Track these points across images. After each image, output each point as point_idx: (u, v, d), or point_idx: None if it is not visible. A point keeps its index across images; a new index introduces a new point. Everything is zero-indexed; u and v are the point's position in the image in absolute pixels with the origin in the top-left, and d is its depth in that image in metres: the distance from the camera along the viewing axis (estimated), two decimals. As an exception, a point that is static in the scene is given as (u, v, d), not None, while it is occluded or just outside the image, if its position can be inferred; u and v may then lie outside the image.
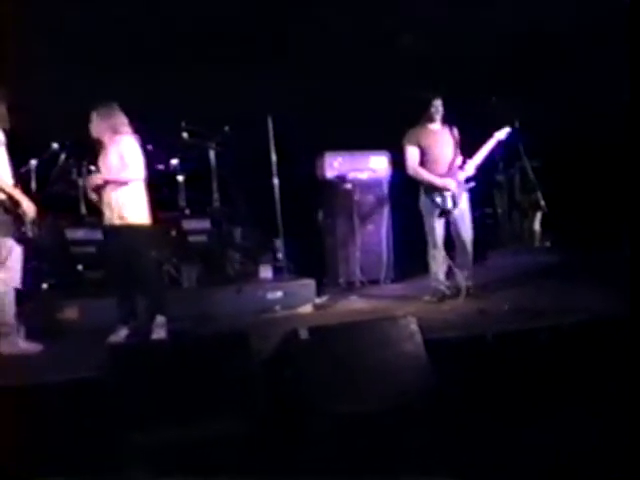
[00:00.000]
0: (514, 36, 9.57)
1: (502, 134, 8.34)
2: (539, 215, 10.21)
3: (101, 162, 7.13)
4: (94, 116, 7.04)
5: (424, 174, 8.17)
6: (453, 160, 8.23)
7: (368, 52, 9.79)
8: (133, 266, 6.98)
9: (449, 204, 8.08)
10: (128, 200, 6.91)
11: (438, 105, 8.23)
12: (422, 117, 8.30)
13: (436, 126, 8.31)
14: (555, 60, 9.71)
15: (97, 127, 7.05)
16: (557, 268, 9.27)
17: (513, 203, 10.69)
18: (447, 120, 8.35)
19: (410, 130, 8.31)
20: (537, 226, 10.39)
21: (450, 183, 8.09)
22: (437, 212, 8.11)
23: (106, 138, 7.05)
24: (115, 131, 6.99)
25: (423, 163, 8.22)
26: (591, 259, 8.87)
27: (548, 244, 10.33)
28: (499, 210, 10.82)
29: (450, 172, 8.17)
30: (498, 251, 10.21)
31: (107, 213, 7.01)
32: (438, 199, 8.08)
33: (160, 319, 6.96)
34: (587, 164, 9.50)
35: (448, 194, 8.08)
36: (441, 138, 8.30)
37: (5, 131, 6.65)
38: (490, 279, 8.69)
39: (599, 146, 9.23)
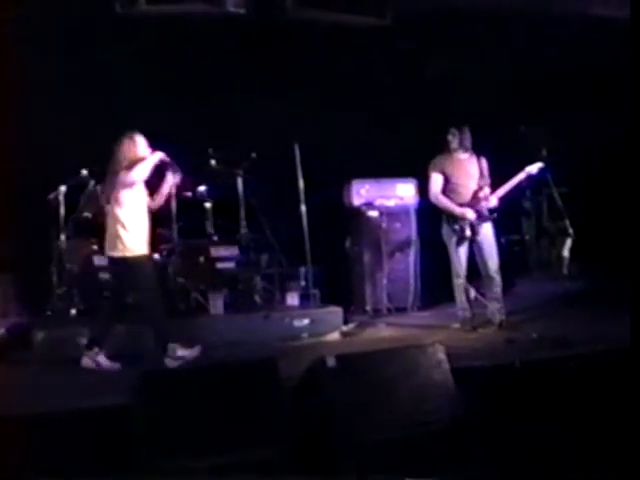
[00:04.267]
0: (541, 65, 9.58)
1: (534, 169, 8.18)
2: (568, 242, 10.11)
3: None
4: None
5: (444, 202, 8.18)
6: (477, 190, 8.20)
7: (395, 80, 9.82)
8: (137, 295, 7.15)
9: (467, 233, 8.04)
10: (125, 231, 6.97)
11: (455, 133, 8.20)
12: (447, 146, 8.28)
13: (463, 155, 8.27)
14: (581, 87, 9.68)
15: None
16: (585, 296, 9.21)
17: (541, 230, 10.63)
18: (476, 150, 8.31)
19: (436, 158, 8.31)
20: (566, 253, 10.30)
21: (468, 212, 8.07)
22: (456, 240, 8.08)
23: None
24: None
25: (446, 191, 8.22)
26: (620, 286, 8.80)
27: (576, 271, 10.24)
28: (527, 237, 10.75)
29: (472, 201, 8.14)
30: (526, 278, 10.14)
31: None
32: (456, 227, 8.07)
33: (172, 346, 7.02)
34: (615, 190, 9.44)
35: (466, 223, 8.05)
36: (466, 167, 8.26)
37: None
38: (518, 307, 8.65)
39: (627, 172, 9.17)
